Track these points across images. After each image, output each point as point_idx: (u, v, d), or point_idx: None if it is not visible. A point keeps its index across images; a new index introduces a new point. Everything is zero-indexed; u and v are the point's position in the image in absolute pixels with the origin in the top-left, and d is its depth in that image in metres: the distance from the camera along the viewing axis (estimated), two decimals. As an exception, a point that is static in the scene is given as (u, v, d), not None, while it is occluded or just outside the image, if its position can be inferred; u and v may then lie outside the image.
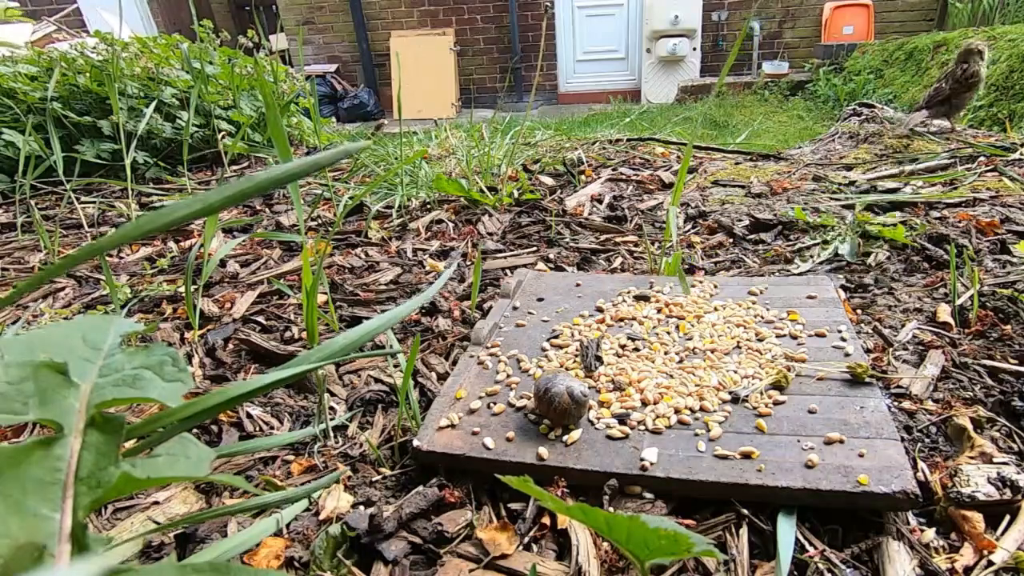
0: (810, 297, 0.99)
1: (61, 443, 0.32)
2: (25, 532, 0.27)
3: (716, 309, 0.97)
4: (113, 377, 0.38)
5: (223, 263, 1.41)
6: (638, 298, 1.04)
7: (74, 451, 0.32)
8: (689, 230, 1.46)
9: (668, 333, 0.92)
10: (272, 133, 0.72)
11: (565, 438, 0.71)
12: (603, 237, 1.43)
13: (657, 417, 0.73)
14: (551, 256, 1.33)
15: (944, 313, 0.97)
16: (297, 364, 0.53)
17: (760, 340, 0.89)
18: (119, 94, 2.08)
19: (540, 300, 1.06)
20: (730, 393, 0.77)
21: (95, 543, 0.29)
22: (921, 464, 0.68)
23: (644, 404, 0.76)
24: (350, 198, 1.71)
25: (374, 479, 0.73)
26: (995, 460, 0.66)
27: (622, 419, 0.73)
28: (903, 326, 0.96)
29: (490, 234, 1.50)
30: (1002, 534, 0.60)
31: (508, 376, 0.85)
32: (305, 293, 0.79)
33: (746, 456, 0.66)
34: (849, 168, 1.81)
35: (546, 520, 0.65)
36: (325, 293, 1.10)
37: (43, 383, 0.35)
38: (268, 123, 0.71)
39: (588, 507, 0.44)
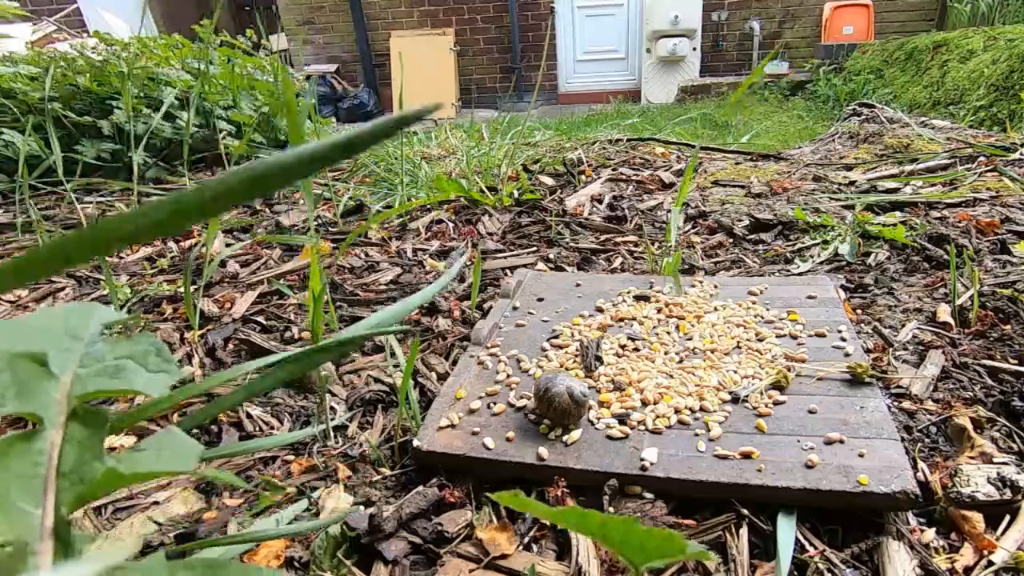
0: (810, 297, 0.99)
1: (42, 436, 0.31)
2: (6, 528, 0.26)
3: (716, 309, 0.97)
4: (95, 368, 0.37)
5: (223, 263, 1.41)
6: (638, 298, 1.03)
7: (55, 445, 0.31)
8: (689, 230, 1.46)
9: (668, 333, 0.92)
10: (290, 131, 0.71)
11: (565, 438, 0.71)
12: (603, 237, 1.43)
13: (657, 417, 0.73)
14: (551, 256, 1.33)
15: (944, 313, 0.97)
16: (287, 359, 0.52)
17: (760, 340, 0.89)
18: (118, 95, 2.08)
19: (540, 300, 1.06)
20: (730, 393, 0.77)
21: (79, 541, 0.28)
22: (921, 464, 0.68)
23: (644, 404, 0.76)
24: (350, 198, 1.71)
25: (374, 479, 0.73)
26: (995, 460, 0.66)
27: (622, 419, 0.73)
28: (903, 326, 0.96)
29: (490, 234, 1.50)
30: (1002, 534, 0.60)
31: (508, 376, 0.85)
32: (312, 298, 0.79)
33: (746, 456, 0.66)
34: (849, 168, 1.81)
35: (546, 520, 0.65)
36: (325, 293, 1.10)
37: (21, 374, 0.34)
38: (288, 126, 0.71)
39: (582, 512, 0.43)
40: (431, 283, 1.24)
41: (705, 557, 0.41)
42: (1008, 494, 0.61)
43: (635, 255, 1.33)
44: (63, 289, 1.33)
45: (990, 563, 0.57)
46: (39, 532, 0.27)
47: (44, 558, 0.26)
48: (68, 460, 0.31)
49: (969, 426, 0.71)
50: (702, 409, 0.74)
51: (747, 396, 0.76)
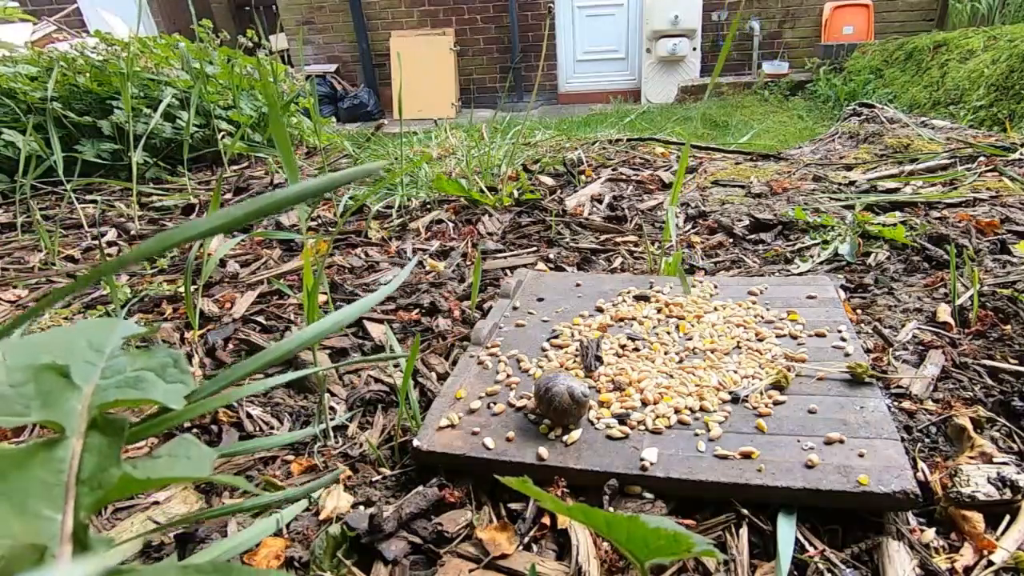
0: (810, 297, 0.99)
1: (63, 445, 0.32)
2: (27, 533, 0.27)
3: (716, 309, 0.97)
4: (115, 379, 0.39)
5: (223, 263, 1.41)
6: (638, 298, 1.04)
7: (76, 452, 0.32)
8: (689, 230, 1.46)
9: (668, 333, 0.92)
10: (274, 134, 0.71)
11: (565, 438, 0.71)
12: (603, 237, 1.43)
13: (657, 417, 0.73)
14: (551, 256, 1.33)
15: (944, 313, 0.97)
16: (285, 348, 0.52)
17: (760, 340, 0.89)
18: (118, 94, 2.08)
19: (540, 300, 1.06)
20: (730, 393, 0.77)
21: (97, 544, 0.29)
22: (921, 464, 0.68)
23: (644, 404, 0.76)
24: (351, 198, 1.71)
25: (374, 479, 0.73)
26: (995, 460, 0.66)
27: (622, 419, 0.73)
28: (903, 326, 0.96)
29: (490, 234, 1.50)
30: (1002, 534, 0.60)
31: (508, 376, 0.85)
32: (306, 293, 0.79)
33: (746, 456, 0.66)
34: (849, 168, 1.81)
35: (546, 520, 0.65)
36: (325, 293, 1.10)
37: (45, 385, 0.35)
38: (271, 125, 0.71)
39: (588, 508, 0.44)
40: (432, 283, 1.24)
41: (711, 554, 0.41)
42: (1008, 494, 0.61)
43: (635, 255, 1.33)
44: (63, 289, 1.33)
45: (990, 563, 0.57)
46: (59, 536, 0.28)
47: (63, 560, 0.27)
48: (88, 467, 0.32)
49: (969, 426, 0.71)
50: (702, 409, 0.74)
51: (747, 396, 0.76)
